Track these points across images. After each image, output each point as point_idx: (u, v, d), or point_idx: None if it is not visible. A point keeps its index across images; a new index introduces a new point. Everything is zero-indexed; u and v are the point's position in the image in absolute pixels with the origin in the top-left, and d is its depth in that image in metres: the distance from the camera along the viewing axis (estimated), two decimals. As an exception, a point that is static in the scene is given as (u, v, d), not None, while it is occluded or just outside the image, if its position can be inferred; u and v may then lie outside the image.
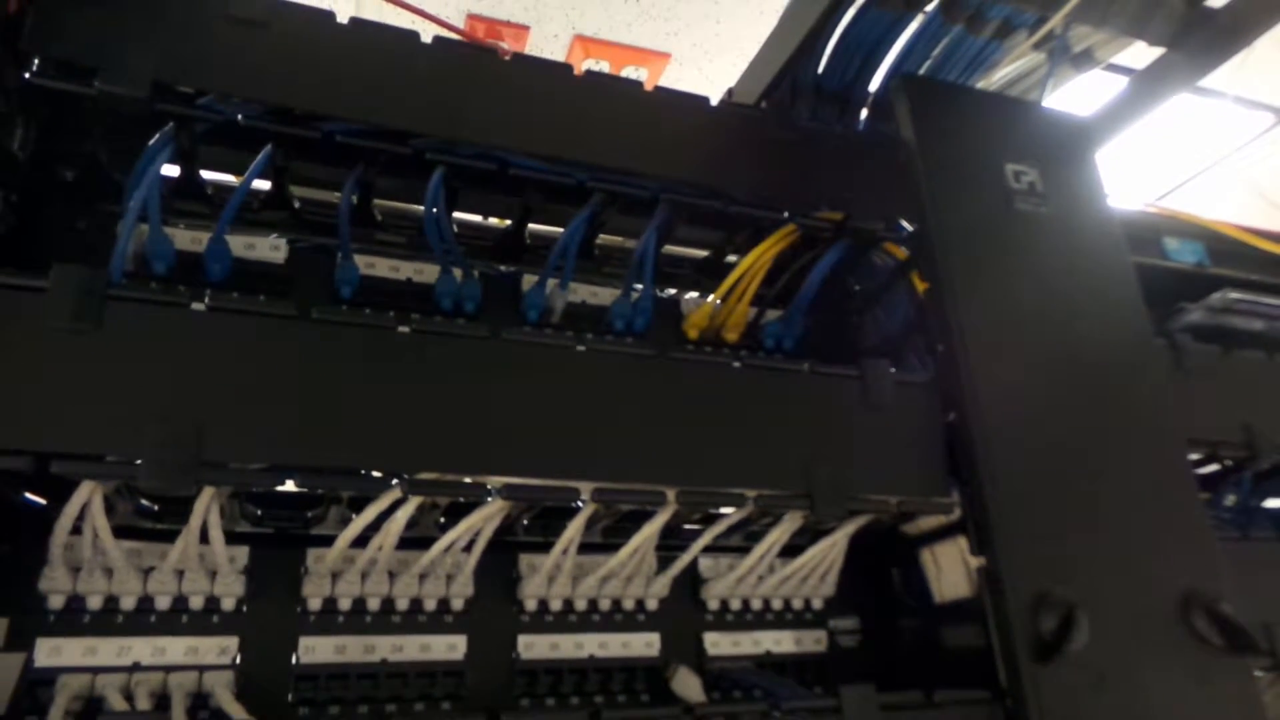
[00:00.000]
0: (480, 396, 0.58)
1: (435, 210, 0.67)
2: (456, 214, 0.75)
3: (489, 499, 0.58)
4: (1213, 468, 0.88)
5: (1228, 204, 3.13)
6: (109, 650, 0.57)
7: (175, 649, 0.59)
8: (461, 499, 0.61)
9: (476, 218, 0.83)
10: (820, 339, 0.83)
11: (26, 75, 0.56)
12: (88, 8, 0.56)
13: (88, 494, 0.51)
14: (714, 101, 0.76)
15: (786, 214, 0.76)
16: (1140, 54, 0.97)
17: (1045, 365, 0.74)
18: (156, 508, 0.58)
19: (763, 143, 0.76)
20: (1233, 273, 1.01)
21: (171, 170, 0.66)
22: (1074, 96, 1.01)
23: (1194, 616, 0.68)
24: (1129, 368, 0.77)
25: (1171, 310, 0.93)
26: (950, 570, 0.73)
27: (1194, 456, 0.82)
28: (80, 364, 0.50)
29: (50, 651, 0.56)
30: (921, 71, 0.90)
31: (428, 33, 0.68)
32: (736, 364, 0.66)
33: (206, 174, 0.69)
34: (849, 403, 0.69)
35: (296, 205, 0.71)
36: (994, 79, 0.97)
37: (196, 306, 0.53)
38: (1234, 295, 0.90)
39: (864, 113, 0.94)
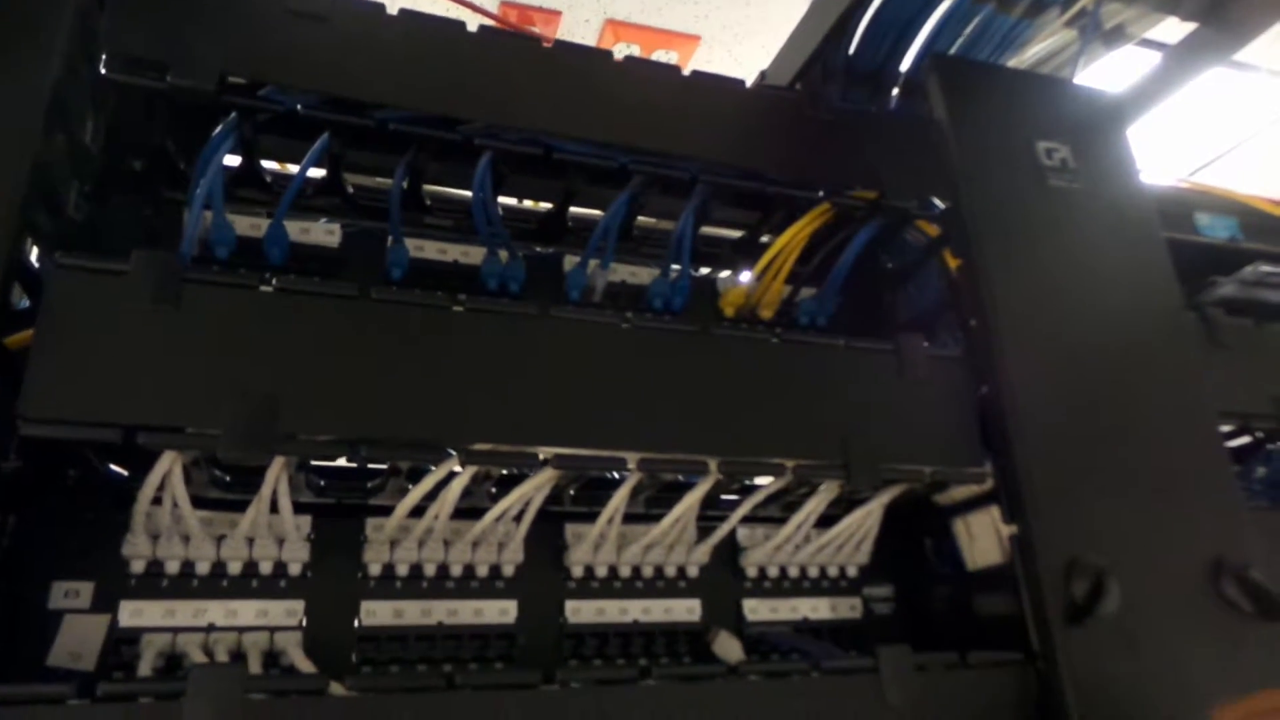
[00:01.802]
0: (530, 371, 0.61)
1: (482, 194, 0.70)
2: (500, 198, 0.78)
3: (539, 469, 0.60)
4: (1244, 440, 0.89)
5: (1264, 178, 3.09)
6: (186, 612, 0.61)
7: (247, 611, 0.62)
8: (514, 469, 0.64)
9: (514, 200, 0.86)
10: (853, 316, 0.85)
11: (102, 70, 0.59)
12: (158, 6, 0.59)
13: (169, 464, 0.54)
14: (748, 84, 0.78)
15: (821, 193, 0.77)
16: (1173, 28, 0.98)
17: (1077, 338, 0.75)
18: (228, 479, 0.62)
19: (797, 123, 0.78)
20: (1267, 247, 1.02)
21: (233, 160, 0.69)
22: (1107, 72, 1.01)
23: (1224, 583, 0.70)
24: (1160, 340, 0.79)
25: (1203, 284, 0.94)
26: (983, 538, 0.74)
27: (1226, 429, 0.83)
28: (160, 343, 0.53)
29: (132, 613, 0.60)
30: (952, 51, 0.91)
31: (462, 18, 0.70)
32: (775, 339, 0.68)
33: (265, 163, 0.72)
34: (884, 376, 0.71)
35: (350, 191, 0.74)
36: (1025, 57, 0.98)
37: (265, 289, 0.56)
38: (1266, 268, 0.91)
39: (895, 93, 0.95)
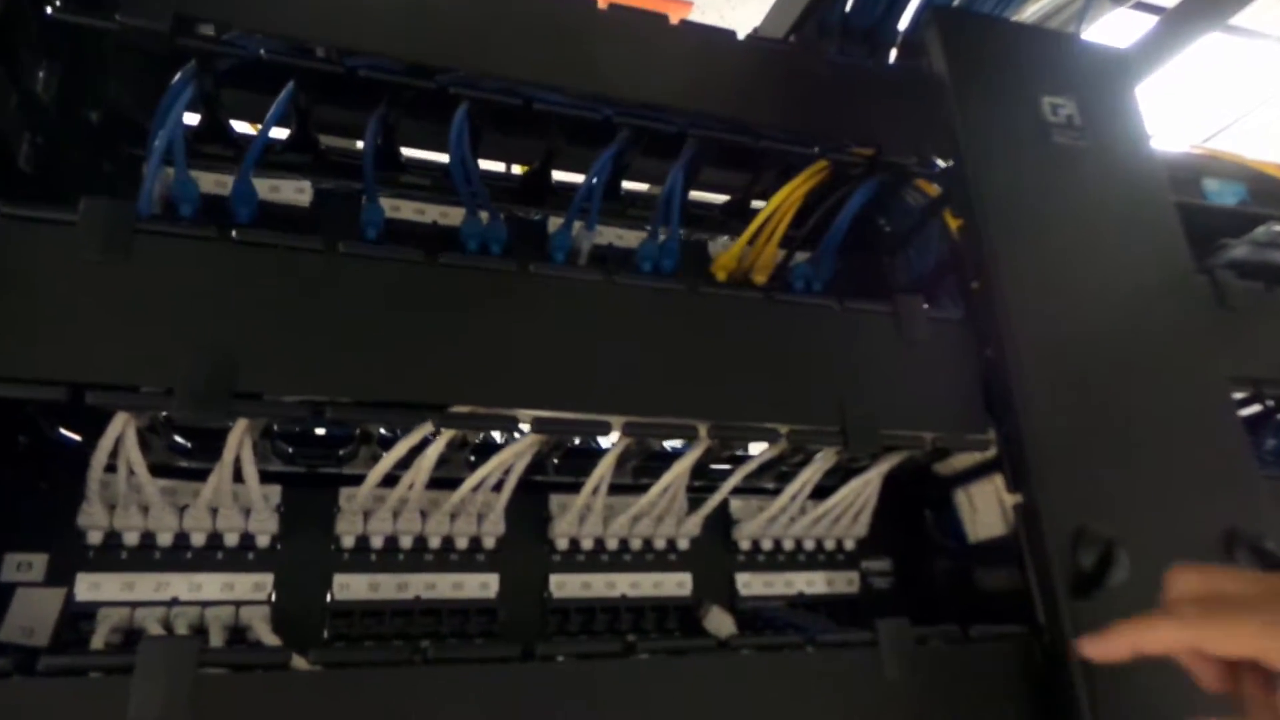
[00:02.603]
0: (509, 331, 0.57)
1: (460, 149, 0.66)
2: (481, 162, 0.74)
3: (519, 433, 0.57)
4: (1256, 408, 0.86)
5: (1274, 146, 3.05)
6: (147, 585, 0.58)
7: (212, 585, 0.59)
8: (493, 433, 0.60)
9: (501, 167, 0.82)
10: (850, 281, 0.82)
11: (49, 11, 0.55)
12: (108, -59, 0.55)
13: (121, 426, 0.51)
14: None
15: (816, 149, 0.74)
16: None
17: (1083, 300, 0.72)
18: (190, 445, 0.59)
19: (791, 76, 0.74)
20: (1277, 212, 0.98)
21: (195, 117, 0.65)
22: (1112, 38, 0.98)
23: (1237, 553, 0.67)
24: (1169, 303, 0.75)
25: (1214, 247, 0.90)
26: (985, 509, 0.72)
27: (1239, 396, 0.80)
28: (110, 296, 0.49)
29: (90, 587, 0.57)
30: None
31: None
32: (766, 299, 0.65)
33: (234, 123, 0.69)
34: (882, 339, 0.68)
35: (321, 148, 0.70)
36: (1028, 13, 0.94)
37: (223, 241, 0.53)
38: (1279, 228, 0.87)
39: (893, 54, 0.92)
